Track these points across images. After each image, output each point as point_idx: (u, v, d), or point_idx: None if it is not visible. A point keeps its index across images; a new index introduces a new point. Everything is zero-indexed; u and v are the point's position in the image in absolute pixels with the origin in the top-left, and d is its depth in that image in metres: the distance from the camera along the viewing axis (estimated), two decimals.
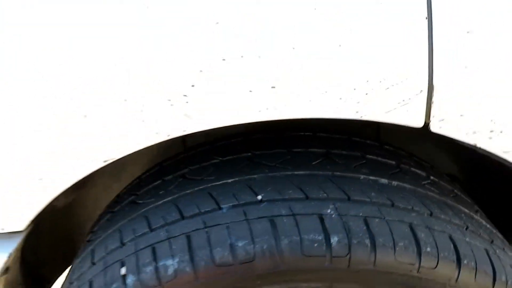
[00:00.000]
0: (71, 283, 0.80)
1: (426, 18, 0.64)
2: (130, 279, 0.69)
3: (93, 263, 0.78)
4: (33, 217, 0.81)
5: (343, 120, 0.72)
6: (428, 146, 0.99)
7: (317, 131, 0.89)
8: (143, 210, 0.80)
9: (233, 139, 0.90)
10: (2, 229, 0.82)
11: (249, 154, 0.83)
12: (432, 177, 0.84)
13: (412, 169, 0.84)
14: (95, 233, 0.90)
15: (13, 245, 0.85)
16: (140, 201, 0.84)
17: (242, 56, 0.65)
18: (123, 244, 0.76)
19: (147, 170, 0.97)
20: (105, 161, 0.75)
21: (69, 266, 1.23)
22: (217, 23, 0.65)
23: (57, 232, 1.12)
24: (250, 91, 0.67)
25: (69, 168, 0.75)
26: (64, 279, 0.99)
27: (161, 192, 0.82)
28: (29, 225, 0.83)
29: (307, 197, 0.71)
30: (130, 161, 0.93)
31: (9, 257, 0.85)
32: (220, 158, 0.84)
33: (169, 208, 0.77)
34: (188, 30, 0.65)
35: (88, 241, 0.89)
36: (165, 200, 0.79)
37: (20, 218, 0.81)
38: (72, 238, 1.21)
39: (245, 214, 0.70)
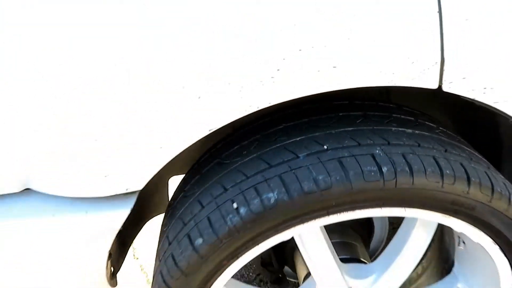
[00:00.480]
0: (185, 224, 1.07)
1: (438, 12, 0.93)
2: (242, 210, 0.96)
3: (203, 207, 1.05)
4: (151, 178, 1.07)
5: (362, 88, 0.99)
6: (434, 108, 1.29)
7: (352, 100, 1.18)
8: (234, 166, 1.07)
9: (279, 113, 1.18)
10: (127, 189, 1.08)
11: (307, 119, 1.11)
12: (441, 128, 1.14)
13: (427, 122, 1.14)
14: (189, 190, 1.16)
15: (132, 202, 1.11)
16: (227, 161, 1.11)
17: (312, 47, 0.93)
18: (226, 189, 1.03)
19: (220, 140, 1.23)
20: (210, 130, 1.01)
21: (140, 230, 1.47)
22: (295, 24, 0.92)
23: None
24: (319, 71, 0.95)
25: (184, 135, 1.00)
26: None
27: (244, 153, 1.09)
28: (145, 185, 1.08)
29: (359, 144, 1.00)
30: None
31: (131, 212, 1.10)
32: (285, 124, 1.12)
33: (257, 161, 1.04)
34: (278, 32, 0.92)
35: (184, 196, 1.16)
36: (250, 157, 1.06)
37: (140, 179, 1.06)
38: (145, 204, 1.44)
39: (318, 158, 0.98)
